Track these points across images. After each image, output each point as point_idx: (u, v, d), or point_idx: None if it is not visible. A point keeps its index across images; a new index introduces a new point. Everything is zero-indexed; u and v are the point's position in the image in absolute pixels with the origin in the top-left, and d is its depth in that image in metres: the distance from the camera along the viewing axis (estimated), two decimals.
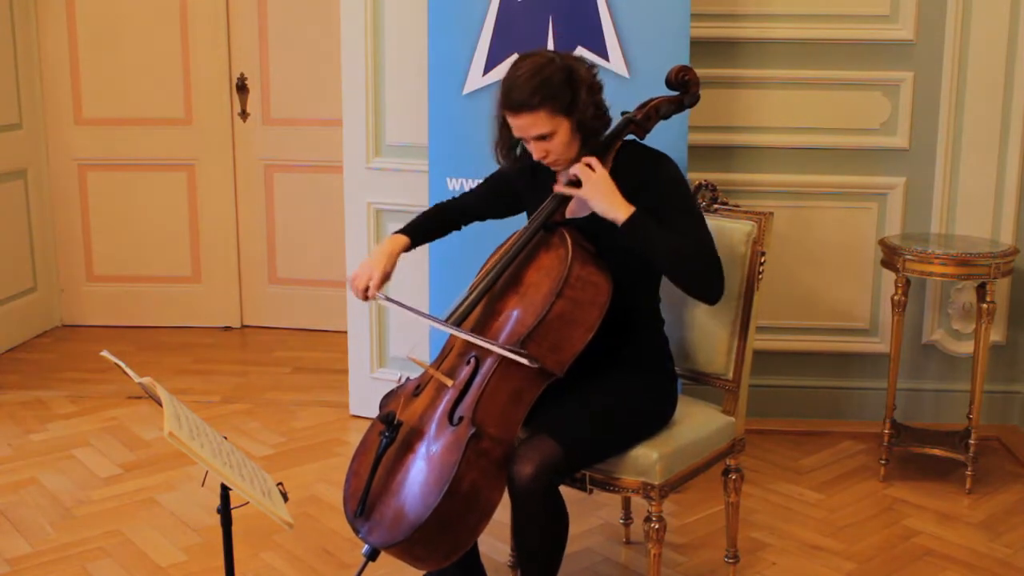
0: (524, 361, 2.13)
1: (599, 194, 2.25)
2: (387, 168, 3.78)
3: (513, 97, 2.25)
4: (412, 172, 3.69)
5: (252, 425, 3.91)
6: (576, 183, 2.29)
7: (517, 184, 2.52)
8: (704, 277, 2.27)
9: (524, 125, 2.26)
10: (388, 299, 2.37)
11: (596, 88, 2.32)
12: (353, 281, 2.44)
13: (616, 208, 2.24)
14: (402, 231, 2.53)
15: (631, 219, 2.22)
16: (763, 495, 3.31)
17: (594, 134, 2.33)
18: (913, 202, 3.73)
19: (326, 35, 4.59)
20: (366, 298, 2.41)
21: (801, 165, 3.73)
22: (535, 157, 2.33)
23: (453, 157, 3.27)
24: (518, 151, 2.43)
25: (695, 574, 2.84)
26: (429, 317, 2.37)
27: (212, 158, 5.03)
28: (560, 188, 2.32)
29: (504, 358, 2.19)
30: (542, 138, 2.27)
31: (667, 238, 2.22)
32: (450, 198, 2.66)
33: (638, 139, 2.43)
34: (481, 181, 2.63)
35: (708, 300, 2.31)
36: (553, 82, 2.23)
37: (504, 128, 2.37)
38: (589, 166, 2.27)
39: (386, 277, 2.43)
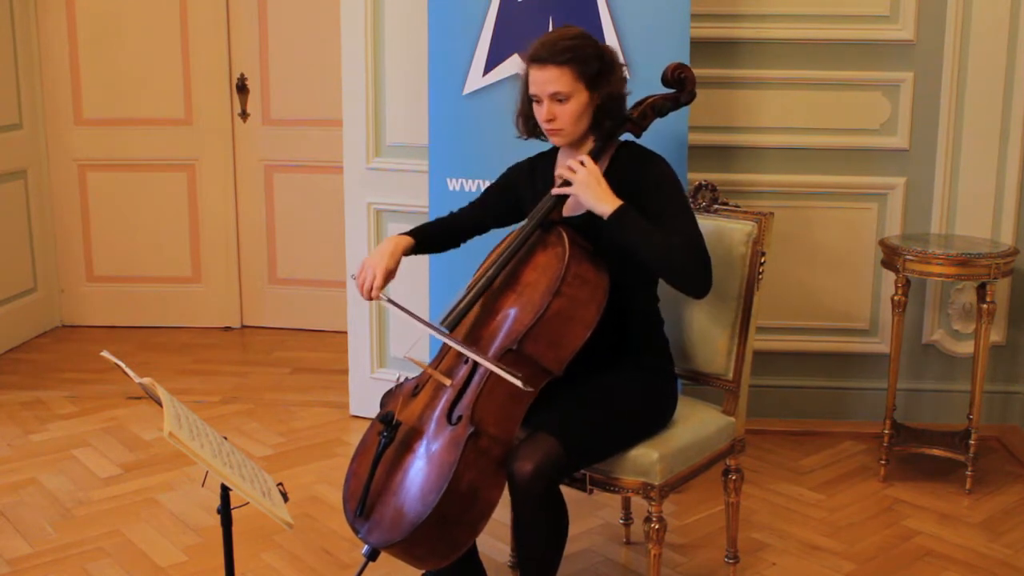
0: (515, 381, 2.10)
1: (586, 188, 2.26)
2: (387, 168, 3.78)
3: (543, 50, 2.27)
4: (412, 172, 3.68)
5: (252, 425, 3.91)
6: (567, 184, 2.29)
7: (519, 183, 2.52)
8: (688, 272, 2.25)
9: (545, 80, 2.27)
10: (390, 301, 2.34)
11: (622, 79, 2.35)
12: (358, 279, 2.39)
13: (603, 202, 2.24)
14: (407, 232, 2.49)
15: (616, 212, 2.22)
16: (763, 495, 3.31)
17: (603, 125, 2.34)
18: (913, 202, 3.72)
19: (326, 35, 4.59)
20: (370, 298, 2.37)
21: (801, 165, 3.73)
22: (542, 118, 2.32)
23: (453, 157, 3.27)
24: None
25: (695, 574, 2.84)
26: (427, 324, 2.32)
27: (212, 158, 5.03)
28: (556, 190, 2.32)
29: (502, 357, 2.19)
30: (557, 99, 2.28)
31: (651, 233, 2.22)
32: (454, 211, 2.61)
33: (635, 138, 2.43)
34: (482, 190, 2.60)
35: (693, 295, 2.31)
36: (586, 49, 2.28)
37: (526, 96, 2.37)
38: (570, 168, 2.28)
39: (389, 275, 2.38)
